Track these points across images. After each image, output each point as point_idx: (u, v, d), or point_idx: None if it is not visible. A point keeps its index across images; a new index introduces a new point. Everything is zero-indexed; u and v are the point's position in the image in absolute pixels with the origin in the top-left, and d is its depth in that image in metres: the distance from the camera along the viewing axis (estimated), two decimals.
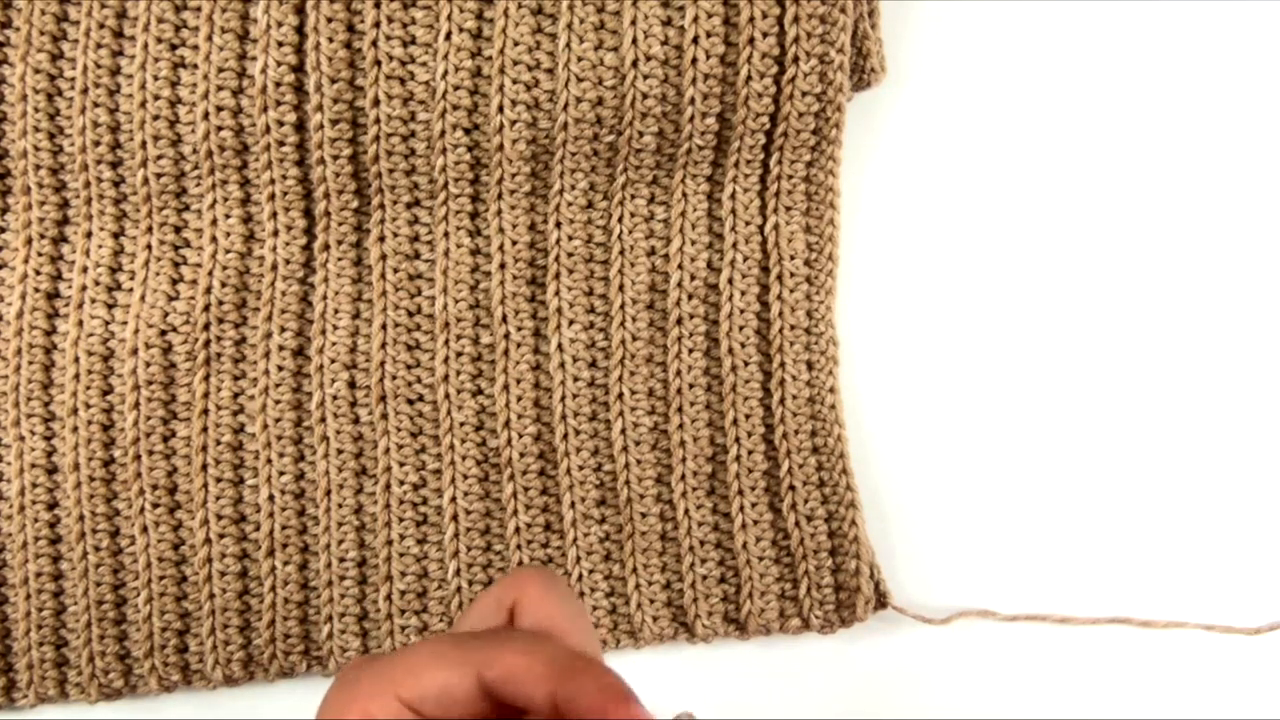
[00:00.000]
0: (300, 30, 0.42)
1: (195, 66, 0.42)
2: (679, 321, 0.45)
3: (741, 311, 0.45)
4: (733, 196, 0.45)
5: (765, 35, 0.42)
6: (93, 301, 0.44)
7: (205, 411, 0.44)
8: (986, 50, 0.47)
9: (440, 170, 0.43)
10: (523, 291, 0.44)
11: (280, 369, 0.44)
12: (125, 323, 0.44)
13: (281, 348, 0.44)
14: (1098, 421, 0.46)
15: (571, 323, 0.45)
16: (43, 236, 0.44)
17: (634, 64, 0.42)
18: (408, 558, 0.44)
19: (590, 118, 0.42)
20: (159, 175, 0.43)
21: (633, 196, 0.45)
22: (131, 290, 0.44)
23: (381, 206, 0.44)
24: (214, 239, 0.44)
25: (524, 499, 0.45)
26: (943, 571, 0.46)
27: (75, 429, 0.43)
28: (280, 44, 0.42)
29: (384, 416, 0.44)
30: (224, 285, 0.44)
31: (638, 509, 0.45)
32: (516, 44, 0.42)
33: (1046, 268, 0.47)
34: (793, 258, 0.45)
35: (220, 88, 0.42)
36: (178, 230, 0.44)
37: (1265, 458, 0.47)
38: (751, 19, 0.42)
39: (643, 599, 0.45)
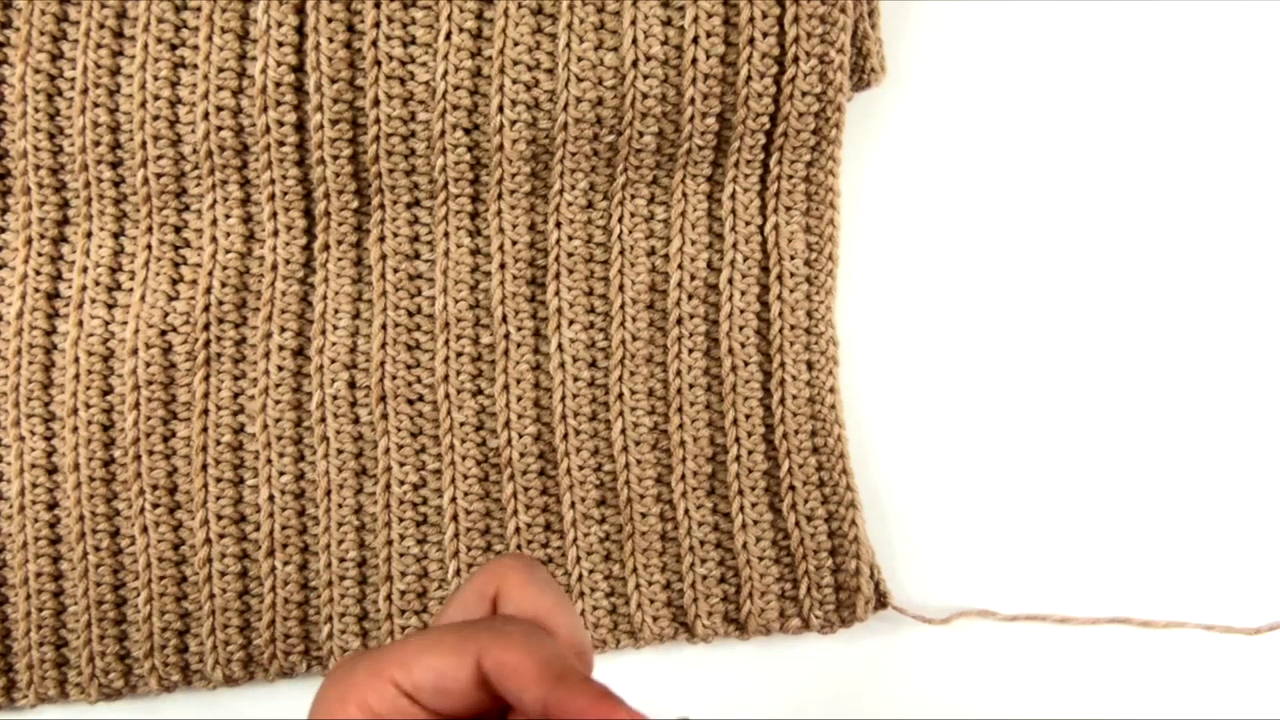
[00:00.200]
0: (300, 30, 0.42)
1: (195, 66, 0.42)
2: (679, 321, 0.45)
3: (741, 311, 0.45)
4: (733, 196, 0.45)
5: (765, 35, 0.42)
6: (93, 301, 0.44)
7: (205, 411, 0.44)
8: (986, 50, 0.47)
9: (440, 170, 0.43)
10: (523, 291, 0.44)
11: (280, 369, 0.44)
12: (125, 323, 0.44)
13: (281, 348, 0.44)
14: (1097, 422, 0.46)
15: (571, 323, 0.45)
16: (43, 236, 0.44)
17: (634, 64, 0.42)
18: (408, 558, 0.44)
19: (590, 118, 0.42)
20: (159, 175, 0.43)
21: (633, 196, 0.45)
22: (131, 290, 0.44)
23: (381, 206, 0.44)
24: (214, 239, 0.44)
25: (524, 499, 0.45)
26: (943, 571, 0.46)
27: (75, 429, 0.43)
28: (280, 44, 0.42)
29: (384, 416, 0.44)
30: (224, 285, 0.44)
31: (638, 509, 0.45)
32: (516, 44, 0.42)
33: (1046, 268, 0.47)
34: (793, 258, 0.45)
35: (220, 88, 0.42)
36: (178, 230, 0.44)
37: (1265, 458, 0.47)
38: (751, 19, 0.42)
39: (643, 599, 0.45)
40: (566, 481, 0.45)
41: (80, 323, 0.44)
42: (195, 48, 0.42)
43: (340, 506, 0.44)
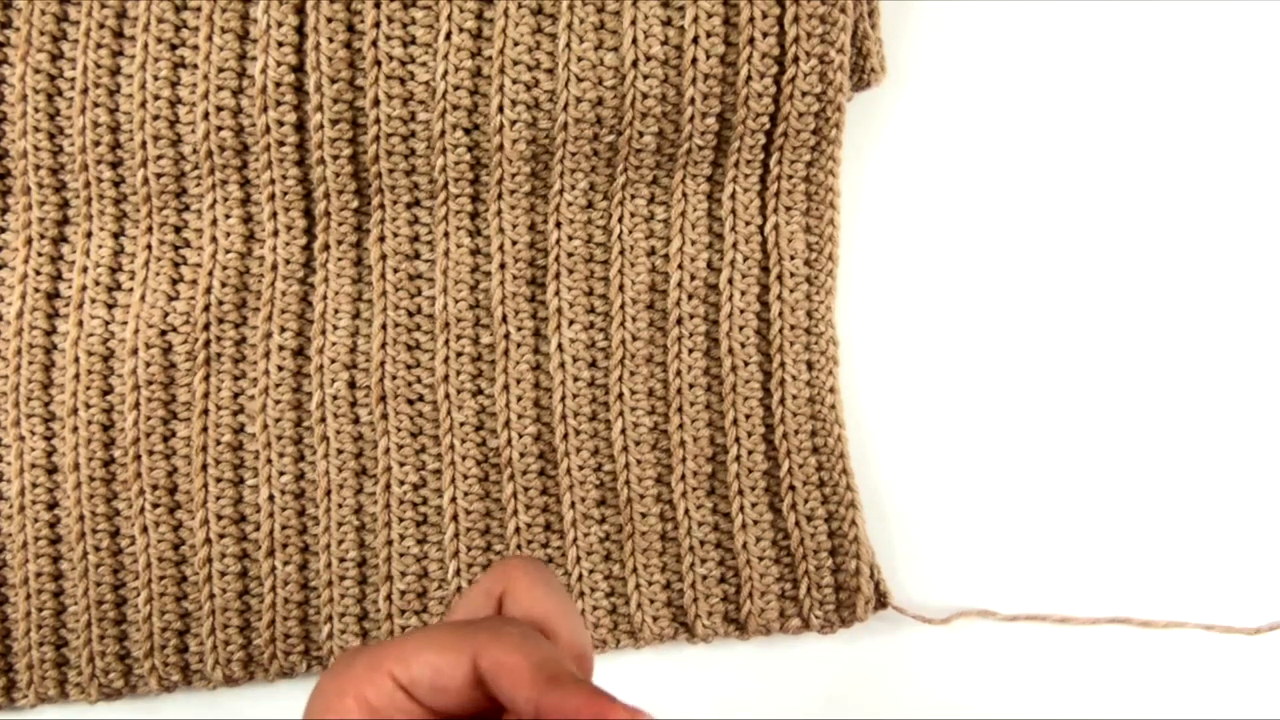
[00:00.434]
0: (300, 30, 0.42)
1: (195, 66, 0.42)
2: (679, 321, 0.45)
3: (741, 311, 0.45)
4: (733, 196, 0.45)
5: (765, 35, 0.42)
6: (93, 301, 0.44)
7: (205, 411, 0.44)
8: (986, 50, 0.47)
9: (440, 170, 0.43)
10: (523, 291, 0.44)
11: (280, 369, 0.44)
12: (125, 323, 0.44)
13: (281, 348, 0.44)
14: (1097, 422, 0.46)
15: (571, 323, 0.45)
16: (43, 236, 0.44)
17: (634, 64, 0.42)
18: (408, 558, 0.44)
19: (590, 118, 0.42)
20: (159, 175, 0.43)
21: (633, 196, 0.45)
22: (131, 290, 0.44)
23: (381, 206, 0.44)
24: (214, 239, 0.44)
25: (524, 499, 0.45)
26: (943, 571, 0.46)
27: (75, 429, 0.43)
28: (280, 44, 0.42)
29: (384, 416, 0.44)
30: (224, 285, 0.44)
31: (638, 509, 0.45)
32: (516, 44, 0.42)
33: (1047, 268, 0.47)
34: (793, 258, 0.45)
35: (220, 88, 0.42)
36: (178, 230, 0.44)
37: (1265, 458, 0.47)
38: (751, 19, 0.42)
39: (643, 599, 0.45)
40: (566, 481, 0.45)
41: (80, 323, 0.44)
42: (195, 48, 0.42)
43: (340, 506, 0.44)
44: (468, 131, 0.43)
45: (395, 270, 0.44)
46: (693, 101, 0.42)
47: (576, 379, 0.45)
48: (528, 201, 0.44)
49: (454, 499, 0.44)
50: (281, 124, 0.42)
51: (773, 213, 0.45)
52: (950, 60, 0.47)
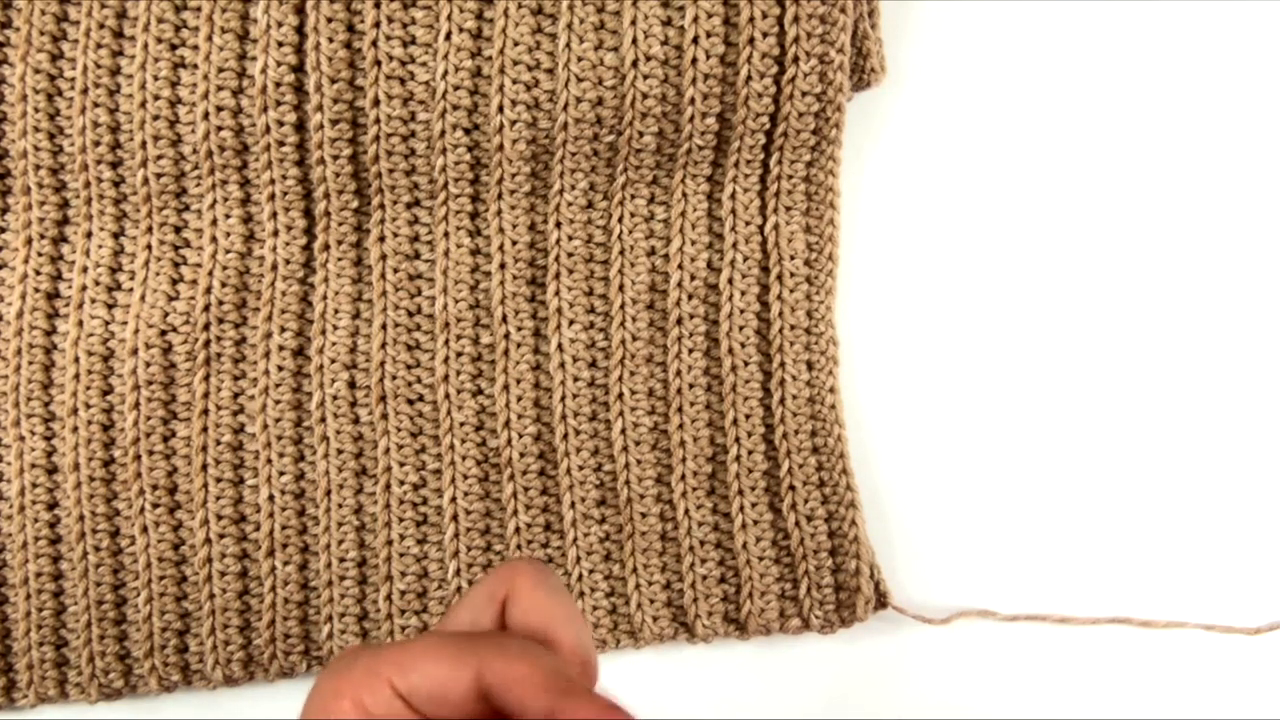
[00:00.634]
0: (300, 30, 0.42)
1: (195, 66, 0.42)
2: (679, 321, 0.45)
3: (741, 311, 0.45)
4: (733, 196, 0.45)
5: (765, 35, 0.42)
6: (93, 301, 0.44)
7: (205, 411, 0.44)
8: (986, 50, 0.47)
9: (440, 170, 0.43)
10: (523, 291, 0.45)
11: (280, 369, 0.44)
12: (125, 323, 0.44)
13: (281, 348, 0.44)
14: (1097, 422, 0.46)
15: (571, 323, 0.45)
16: (43, 236, 0.44)
17: (634, 64, 0.42)
18: (408, 558, 0.44)
19: (590, 118, 0.42)
20: (159, 175, 0.43)
21: (633, 196, 0.45)
22: (131, 290, 0.44)
23: (381, 206, 0.44)
24: (214, 239, 0.44)
25: (524, 499, 0.45)
26: (943, 571, 0.46)
27: (75, 429, 0.43)
28: (280, 44, 0.42)
29: (384, 416, 0.44)
30: (224, 285, 0.44)
31: (638, 509, 0.45)
32: (516, 44, 0.42)
33: (1047, 268, 0.47)
34: (793, 258, 0.45)
35: (220, 88, 0.42)
36: (178, 230, 0.44)
37: (1265, 458, 0.47)
38: (751, 19, 0.42)
39: (643, 599, 0.45)
40: (566, 481, 0.45)
41: (80, 323, 0.44)
42: (195, 48, 0.42)
43: (340, 506, 0.44)
44: (468, 131, 0.43)
45: (395, 270, 0.44)
46: (693, 101, 0.42)
47: (576, 379, 0.45)
48: (528, 201, 0.44)
49: (454, 499, 0.44)
50: (281, 124, 0.42)
51: (773, 213, 0.45)
52: (950, 60, 0.47)
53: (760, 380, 0.45)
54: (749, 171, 0.44)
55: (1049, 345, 0.47)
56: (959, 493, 0.46)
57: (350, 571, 0.44)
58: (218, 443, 0.44)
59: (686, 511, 0.45)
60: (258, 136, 0.42)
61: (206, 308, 0.44)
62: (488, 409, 0.45)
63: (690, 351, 0.45)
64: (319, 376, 0.44)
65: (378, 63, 0.42)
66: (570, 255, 0.44)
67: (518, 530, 0.44)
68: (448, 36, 0.42)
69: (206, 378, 0.44)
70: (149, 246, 0.44)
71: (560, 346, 0.44)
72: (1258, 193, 0.47)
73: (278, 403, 0.44)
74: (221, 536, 0.44)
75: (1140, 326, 0.47)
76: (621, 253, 0.45)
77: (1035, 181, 0.47)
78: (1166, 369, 0.47)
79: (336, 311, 0.44)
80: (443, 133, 0.42)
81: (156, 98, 0.42)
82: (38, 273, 0.44)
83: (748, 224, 0.45)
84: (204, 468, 0.44)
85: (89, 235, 0.44)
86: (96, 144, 0.42)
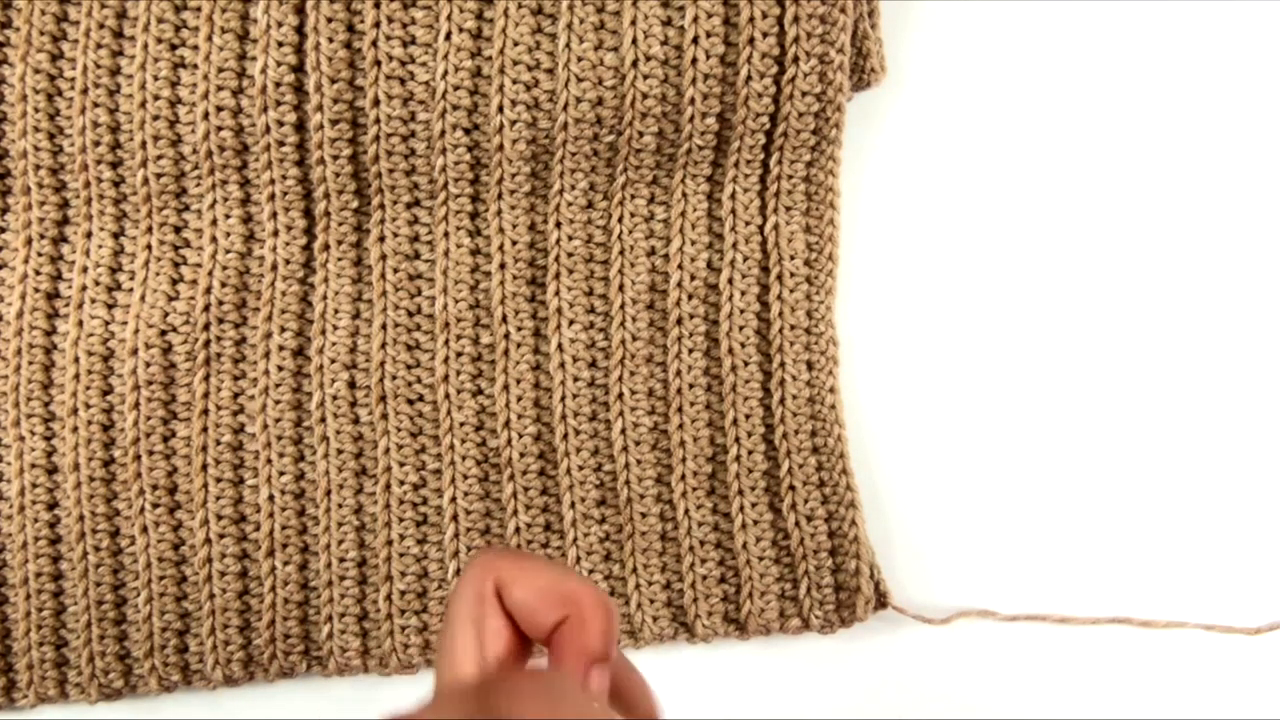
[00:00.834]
0: (300, 30, 0.42)
1: (195, 66, 0.42)
2: (679, 321, 0.45)
3: (741, 311, 0.45)
4: (733, 196, 0.45)
5: (765, 35, 0.42)
6: (93, 301, 0.44)
7: (205, 411, 0.44)
8: (986, 50, 0.47)
9: (440, 170, 0.43)
10: (523, 291, 0.44)
11: (280, 369, 0.44)
12: (125, 323, 0.44)
13: (281, 348, 0.44)
14: (1097, 422, 0.46)
15: (571, 323, 0.45)
16: (43, 236, 0.44)
17: (634, 64, 0.42)
18: (408, 558, 0.44)
19: (590, 118, 0.42)
20: (159, 175, 0.43)
21: (633, 196, 0.45)
22: (131, 290, 0.44)
23: (381, 206, 0.44)
24: (214, 239, 0.44)
25: (524, 499, 0.45)
26: (943, 571, 0.46)
27: (75, 429, 0.43)
28: (280, 44, 0.42)
29: (384, 416, 0.44)
30: (224, 285, 0.44)
31: (638, 509, 0.45)
32: (516, 44, 0.42)
33: (1046, 268, 0.47)
34: (793, 258, 0.45)
35: (220, 88, 0.42)
36: (178, 230, 0.44)
37: (1265, 458, 0.47)
38: (751, 19, 0.42)
39: (643, 599, 0.45)
40: (566, 481, 0.45)
41: (80, 323, 0.44)
42: (195, 48, 0.42)
43: (340, 506, 0.44)
44: (468, 131, 0.43)
45: (395, 270, 0.44)
46: (693, 101, 0.42)
47: (576, 379, 0.45)
48: (528, 201, 0.44)
49: (454, 499, 0.44)
50: (281, 124, 0.42)
51: (773, 213, 0.45)
52: (950, 60, 0.47)
53: (760, 380, 0.45)
54: (749, 171, 0.44)
55: (1049, 345, 0.47)
56: (959, 493, 0.46)
57: (350, 571, 0.44)
58: (218, 443, 0.44)
59: (686, 511, 0.45)
60: (258, 136, 0.42)
61: (206, 308, 0.44)
62: (488, 409, 0.45)
63: (690, 351, 0.45)
64: (319, 376, 0.44)
65: (378, 63, 0.42)
66: (570, 255, 0.44)
67: (518, 530, 0.44)
68: (448, 36, 0.42)
69: (206, 378, 0.44)
70: (149, 246, 0.44)
71: (560, 346, 0.44)
72: (1257, 193, 0.47)
73: (278, 403, 0.44)
74: (221, 536, 0.44)
75: (1140, 326, 0.47)
76: (621, 253, 0.45)
77: (1035, 181, 0.47)
78: (1166, 369, 0.47)
79: (336, 311, 0.44)
80: (443, 133, 0.42)
81: (156, 98, 0.42)
82: (38, 273, 0.44)
83: (748, 224, 0.45)
84: (204, 468, 0.44)
85: (89, 235, 0.44)
86: (96, 144, 0.42)
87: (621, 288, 0.45)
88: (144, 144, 0.42)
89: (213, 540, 0.44)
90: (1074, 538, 0.46)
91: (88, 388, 0.43)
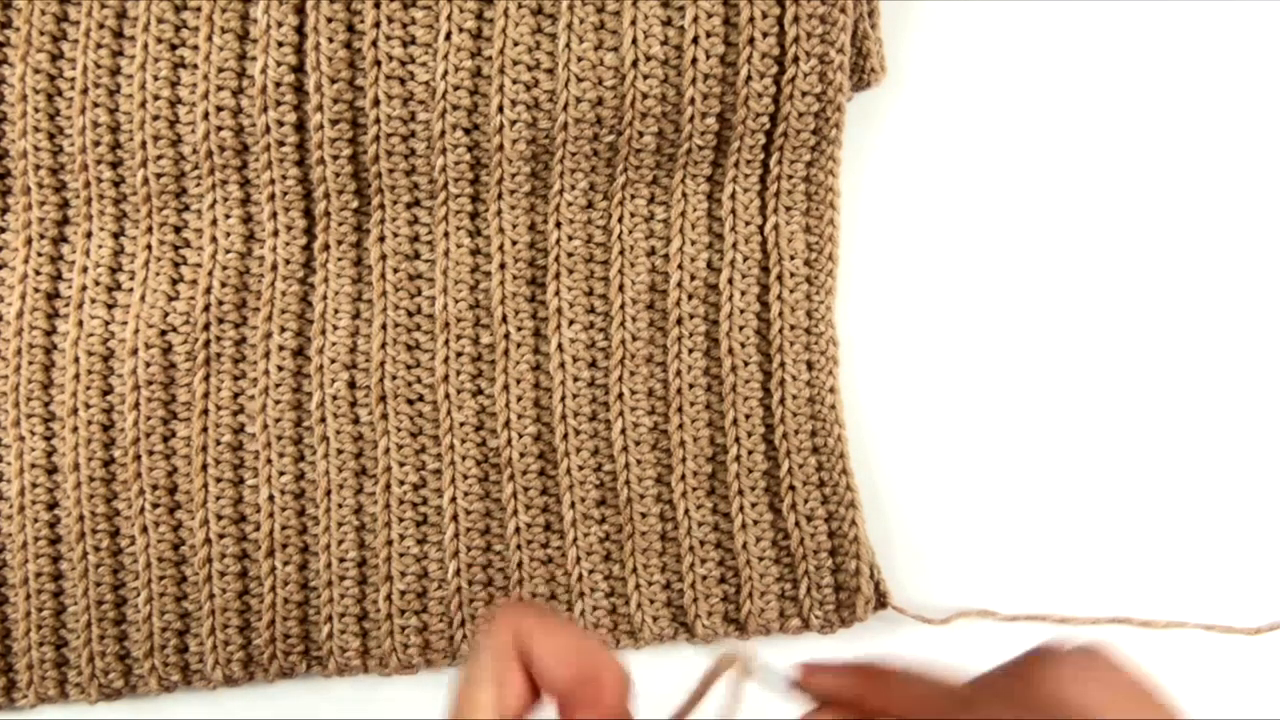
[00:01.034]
0: (300, 30, 0.42)
1: (195, 66, 0.42)
2: (679, 321, 0.45)
3: (741, 311, 0.45)
4: (733, 196, 0.45)
5: (765, 35, 0.42)
6: (93, 301, 0.44)
7: (205, 411, 0.44)
8: (986, 50, 0.47)
9: (440, 170, 0.43)
10: (523, 291, 0.44)
11: (280, 369, 0.44)
12: (125, 323, 0.44)
13: (281, 348, 0.44)
14: (1097, 422, 0.46)
15: (571, 323, 0.45)
16: (43, 236, 0.44)
17: (634, 64, 0.42)
18: (408, 558, 0.44)
19: (590, 118, 0.42)
20: (159, 175, 0.43)
21: (633, 196, 0.45)
22: (131, 290, 0.44)
23: (381, 206, 0.44)
24: (214, 239, 0.44)
25: (524, 499, 0.45)
26: (943, 571, 0.46)
27: (75, 429, 0.43)
28: (280, 44, 0.42)
29: (384, 416, 0.44)
30: (224, 285, 0.44)
31: (638, 509, 0.45)
32: (516, 44, 0.42)
33: (1046, 268, 0.47)
34: (793, 258, 0.45)
35: (220, 88, 0.42)
36: (178, 230, 0.44)
37: (1265, 458, 0.47)
38: (751, 19, 0.42)
39: (643, 599, 0.45)
40: (566, 481, 0.45)
41: (80, 323, 0.44)
42: (195, 48, 0.42)
43: (340, 506, 0.44)
44: (468, 131, 0.43)
45: (395, 270, 0.44)
46: (693, 101, 0.42)
47: (576, 379, 0.45)
48: (528, 201, 0.44)
49: (454, 499, 0.44)
50: (281, 124, 0.42)
51: (773, 213, 0.45)
52: (950, 60, 0.47)
53: (760, 380, 0.45)
54: (749, 171, 0.44)
55: (1049, 345, 0.47)
56: (959, 493, 0.46)
57: (350, 571, 0.44)
58: (218, 443, 0.44)
59: (686, 511, 0.45)
60: (258, 136, 0.42)
61: (206, 308, 0.44)
62: (488, 409, 0.45)
63: (690, 351, 0.45)
64: (319, 376, 0.44)
65: (378, 63, 0.42)
66: (570, 255, 0.44)
67: (518, 530, 0.44)
68: (448, 36, 0.42)
69: (206, 378, 0.44)
70: (149, 246, 0.44)
71: (560, 346, 0.44)
72: (1257, 193, 0.47)
73: (278, 403, 0.44)
74: (221, 536, 0.44)
75: (1140, 327, 0.47)
76: (621, 253, 0.45)
77: (1035, 181, 0.47)
78: (1166, 369, 0.47)
79: (336, 311, 0.44)
80: (443, 133, 0.42)
81: (156, 98, 0.42)
82: (38, 273, 0.44)
83: (748, 224, 0.45)
84: (204, 468, 0.44)
85: (89, 235, 0.44)
86: (96, 144, 0.42)
87: (621, 288, 0.45)
88: (144, 144, 0.42)
89: (213, 540, 0.44)
90: (1074, 538, 0.46)
91: (88, 388, 0.43)
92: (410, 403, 0.44)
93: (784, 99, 0.43)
